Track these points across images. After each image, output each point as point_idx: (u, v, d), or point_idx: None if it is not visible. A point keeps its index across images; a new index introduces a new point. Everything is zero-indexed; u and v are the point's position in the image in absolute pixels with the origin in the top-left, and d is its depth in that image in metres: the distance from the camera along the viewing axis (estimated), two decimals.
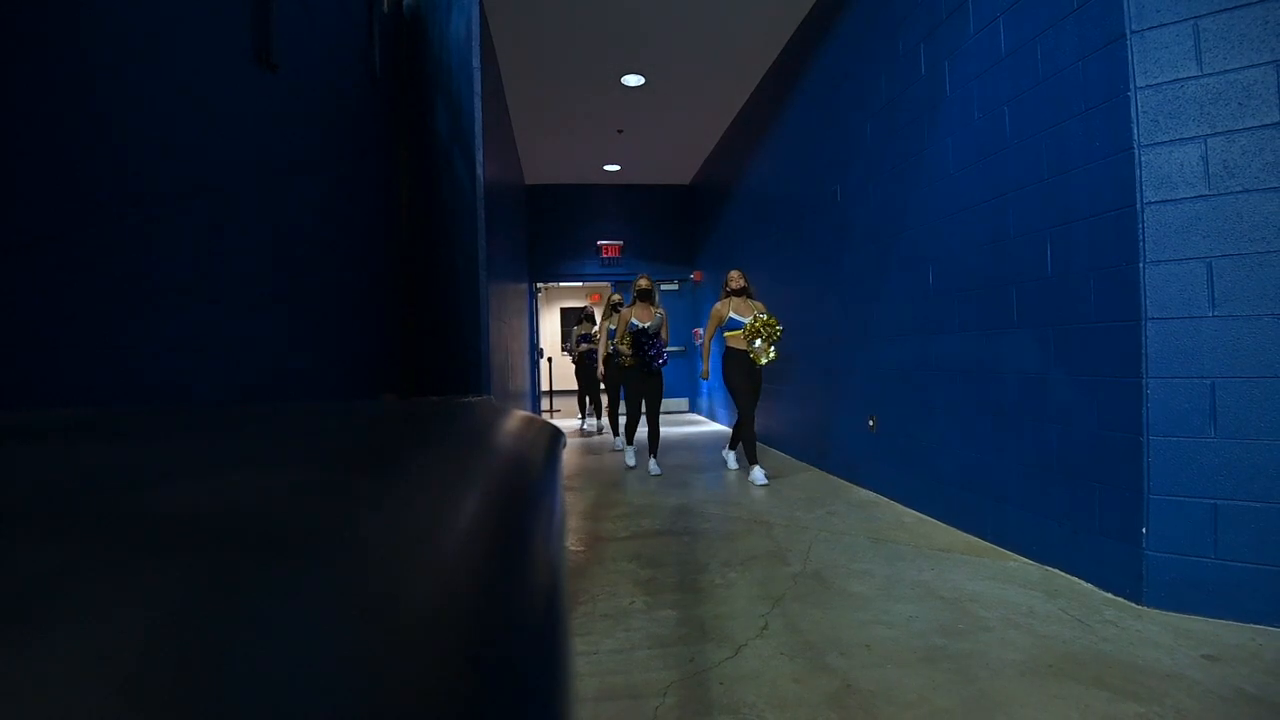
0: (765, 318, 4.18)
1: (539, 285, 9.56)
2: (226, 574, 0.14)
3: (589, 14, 4.67)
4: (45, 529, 0.17)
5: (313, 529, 0.18)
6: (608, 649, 1.90)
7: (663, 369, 4.73)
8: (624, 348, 4.65)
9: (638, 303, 4.76)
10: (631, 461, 4.99)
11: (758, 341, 4.16)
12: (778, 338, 4.15)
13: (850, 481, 4.19)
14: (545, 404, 9.69)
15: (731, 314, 4.38)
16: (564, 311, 14.65)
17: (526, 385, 7.37)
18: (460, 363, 1.63)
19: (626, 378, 4.77)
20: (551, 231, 9.05)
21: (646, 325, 4.65)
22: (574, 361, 7.46)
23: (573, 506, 3.72)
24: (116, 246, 0.63)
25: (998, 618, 2.04)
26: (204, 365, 0.77)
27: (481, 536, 0.21)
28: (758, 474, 4.15)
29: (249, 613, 0.13)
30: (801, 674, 1.72)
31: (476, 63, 1.62)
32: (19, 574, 0.14)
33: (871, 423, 3.85)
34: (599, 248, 9.13)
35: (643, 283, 4.82)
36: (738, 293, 4.44)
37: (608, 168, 8.45)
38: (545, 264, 9.09)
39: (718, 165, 7.73)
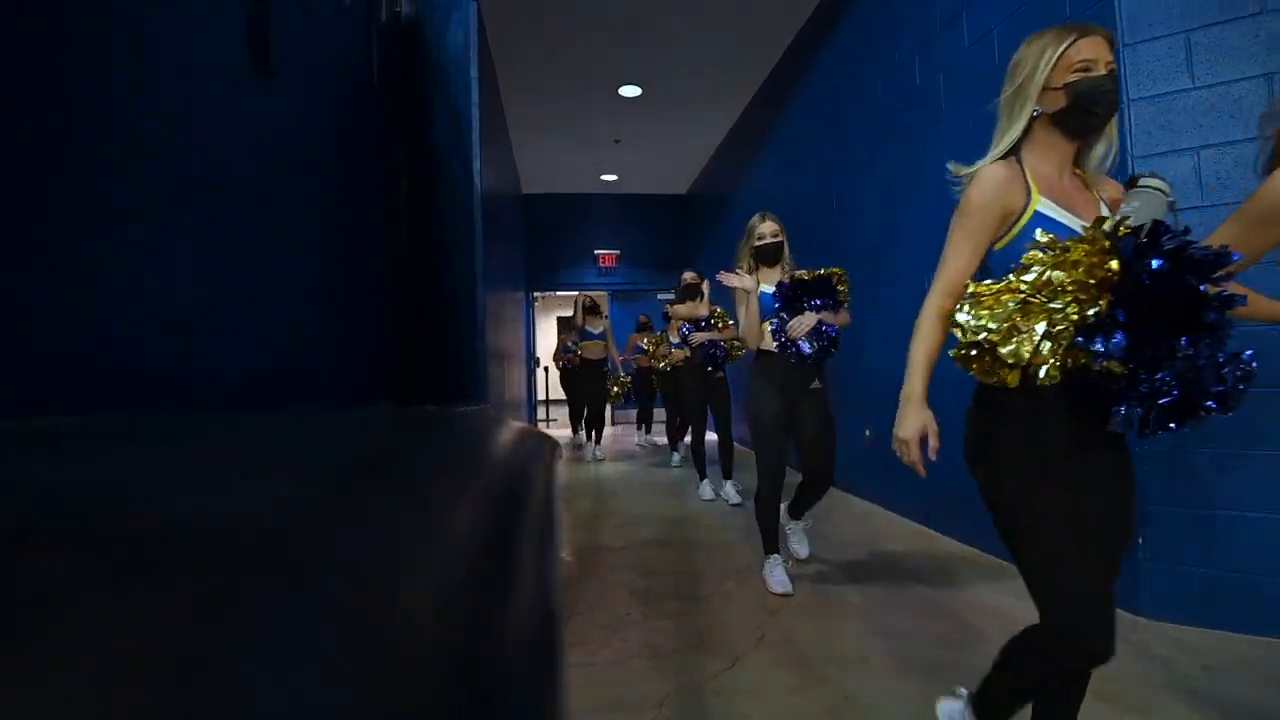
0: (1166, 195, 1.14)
1: (536, 294, 9.57)
2: (219, 588, 0.14)
3: (587, 25, 4.70)
4: (35, 542, 0.17)
5: (307, 541, 0.18)
6: (604, 660, 1.89)
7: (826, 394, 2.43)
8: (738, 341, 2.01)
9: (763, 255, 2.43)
10: (779, 585, 2.34)
11: None
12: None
13: (847, 493, 4.18)
14: (541, 413, 9.69)
15: (1043, 205, 1.15)
16: (560, 320, 14.65)
17: (523, 393, 7.36)
18: (457, 370, 1.63)
19: (758, 401, 2.39)
20: (548, 240, 9.04)
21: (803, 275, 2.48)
22: (681, 359, 4.54)
23: (568, 515, 3.71)
24: (113, 252, 0.63)
25: (995, 628, 2.03)
26: (199, 371, 0.77)
27: (476, 547, 0.21)
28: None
29: (241, 629, 0.13)
30: (799, 685, 1.71)
31: (474, 72, 1.63)
32: (8, 589, 0.14)
33: (868, 433, 3.85)
34: (596, 256, 9.14)
35: (765, 227, 2.52)
36: (1081, 130, 1.21)
37: (605, 177, 8.48)
38: (542, 273, 9.09)
39: (714, 175, 7.76)
